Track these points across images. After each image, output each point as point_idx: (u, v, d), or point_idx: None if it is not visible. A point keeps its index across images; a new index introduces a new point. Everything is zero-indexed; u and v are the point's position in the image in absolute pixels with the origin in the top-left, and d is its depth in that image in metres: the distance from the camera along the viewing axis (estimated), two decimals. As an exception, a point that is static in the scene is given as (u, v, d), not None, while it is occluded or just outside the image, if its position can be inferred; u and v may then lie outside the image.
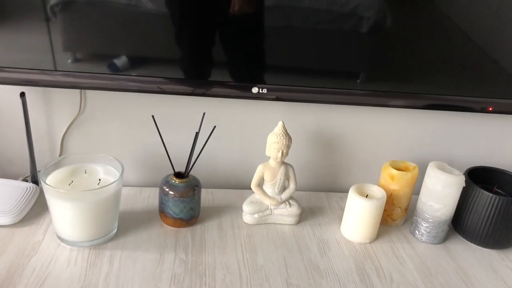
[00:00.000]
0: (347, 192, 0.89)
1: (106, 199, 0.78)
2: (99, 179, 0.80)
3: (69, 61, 0.81)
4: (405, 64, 0.89)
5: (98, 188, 0.76)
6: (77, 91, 0.90)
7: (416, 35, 0.86)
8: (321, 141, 1.02)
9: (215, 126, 0.83)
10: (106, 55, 0.82)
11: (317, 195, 1.03)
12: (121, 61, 0.83)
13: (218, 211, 0.93)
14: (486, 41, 0.88)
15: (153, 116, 0.83)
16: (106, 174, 0.82)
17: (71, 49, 0.81)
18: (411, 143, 1.04)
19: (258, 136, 0.99)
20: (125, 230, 0.85)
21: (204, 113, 0.85)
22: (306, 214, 0.95)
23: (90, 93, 0.91)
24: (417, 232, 0.90)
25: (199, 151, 0.85)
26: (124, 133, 0.96)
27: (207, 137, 0.84)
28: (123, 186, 0.96)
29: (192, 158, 0.85)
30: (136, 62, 0.83)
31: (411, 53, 0.88)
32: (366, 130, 1.02)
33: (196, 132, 0.83)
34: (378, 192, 0.88)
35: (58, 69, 0.81)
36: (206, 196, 0.98)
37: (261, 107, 0.97)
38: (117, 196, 0.81)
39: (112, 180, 0.79)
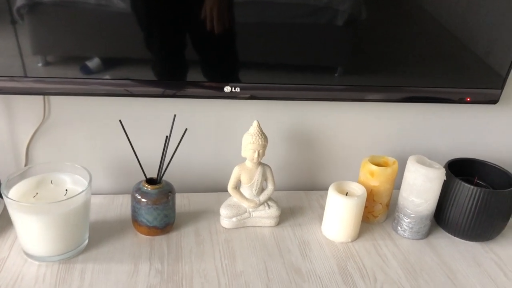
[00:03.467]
0: (327, 189, 0.86)
1: (74, 211, 0.74)
2: (66, 190, 0.76)
3: (40, 64, 0.77)
4: (382, 57, 0.87)
5: (65, 200, 0.72)
6: (40, 97, 0.85)
7: (391, 28, 0.84)
8: (298, 139, 0.99)
9: (186, 129, 0.80)
10: (77, 57, 0.78)
11: (297, 194, 1.00)
12: (93, 63, 0.79)
13: (194, 216, 0.90)
14: (461, 31, 0.86)
15: (120, 121, 0.79)
16: (73, 184, 0.78)
17: (41, 53, 0.77)
18: (390, 137, 1.02)
19: (233, 137, 0.96)
20: (96, 242, 0.81)
21: (175, 115, 0.82)
22: (286, 215, 0.92)
23: (54, 98, 0.87)
24: (399, 228, 0.89)
25: (171, 155, 0.81)
26: (92, 139, 0.92)
27: (179, 140, 0.81)
28: (94, 194, 0.92)
29: (164, 163, 0.81)
30: (106, 64, 0.79)
31: (387, 45, 0.86)
32: (344, 126, 0.99)
33: (167, 136, 0.79)
34: (358, 189, 0.86)
35: (28, 75, 0.77)
36: (182, 201, 0.94)
37: (234, 107, 0.93)
38: (86, 206, 0.76)
39: (80, 190, 0.75)
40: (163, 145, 0.80)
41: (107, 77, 0.80)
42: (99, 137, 0.92)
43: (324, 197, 0.99)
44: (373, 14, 0.82)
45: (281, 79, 0.85)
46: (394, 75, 0.89)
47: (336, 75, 0.87)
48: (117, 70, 0.80)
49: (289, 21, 0.81)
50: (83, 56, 0.78)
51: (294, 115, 0.96)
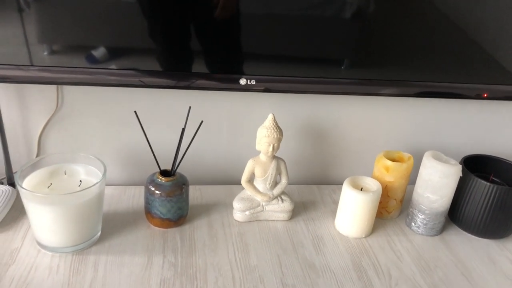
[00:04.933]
0: (340, 184, 0.85)
1: (88, 202, 0.73)
2: (80, 181, 0.76)
3: (45, 53, 0.76)
4: (395, 50, 0.85)
5: (80, 191, 0.71)
6: (53, 86, 0.84)
7: (403, 20, 0.83)
8: (311, 133, 0.98)
9: (202, 121, 0.79)
10: (83, 47, 0.77)
11: (309, 188, 1.00)
12: (99, 52, 0.78)
13: (207, 209, 0.89)
14: (476, 26, 0.85)
15: (135, 112, 0.78)
16: (87, 174, 0.78)
17: (47, 41, 0.76)
18: (405, 133, 1.01)
19: (247, 130, 0.95)
20: (109, 233, 0.80)
21: (190, 107, 0.81)
22: (298, 209, 0.91)
23: (67, 88, 0.86)
24: (413, 224, 0.88)
25: (186, 147, 0.80)
26: (106, 130, 0.91)
27: (194, 133, 0.80)
28: (107, 185, 0.92)
29: (179, 155, 0.80)
30: (115, 53, 0.78)
31: (400, 38, 0.84)
32: (359, 120, 0.98)
33: (183, 128, 0.78)
34: (373, 184, 0.85)
35: (34, 64, 0.76)
36: (194, 193, 0.94)
37: (249, 100, 0.93)
38: (100, 197, 0.76)
39: (94, 181, 0.74)
40: (179, 137, 0.79)
41: (118, 67, 0.79)
42: (112, 127, 0.91)
43: (336, 192, 0.98)
44: (381, 6, 0.81)
45: (295, 72, 0.84)
46: (408, 69, 0.87)
47: (349, 68, 0.86)
48: (128, 60, 0.79)
49: (301, 12, 0.80)
50: (90, 45, 0.77)
51: (308, 108, 0.95)
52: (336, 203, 0.93)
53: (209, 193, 0.94)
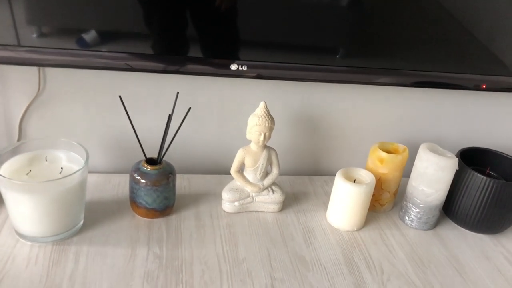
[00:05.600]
0: (332, 175, 0.83)
1: (70, 190, 0.70)
2: (61, 168, 0.72)
3: (34, 35, 0.72)
4: (392, 38, 0.82)
5: (60, 178, 0.68)
6: (35, 68, 0.80)
7: (400, 8, 0.80)
8: (304, 122, 0.95)
9: (190, 108, 0.76)
10: (74, 30, 0.73)
11: (301, 179, 0.97)
12: (90, 36, 0.74)
13: (195, 199, 0.86)
14: (475, 15, 0.82)
15: (120, 97, 0.74)
16: (69, 161, 0.74)
17: (36, 23, 0.72)
18: (401, 124, 0.99)
19: (238, 118, 0.92)
20: (92, 223, 0.77)
21: (177, 93, 0.77)
22: (289, 200, 0.89)
23: (50, 71, 0.82)
24: (406, 217, 0.86)
25: (173, 135, 0.77)
26: (90, 115, 0.87)
27: (181, 120, 0.76)
28: (90, 173, 0.89)
29: (166, 143, 0.77)
30: (105, 37, 0.74)
31: (397, 26, 0.81)
32: (353, 110, 0.95)
33: (169, 115, 0.75)
34: (366, 176, 0.82)
35: (22, 44, 0.72)
36: (182, 182, 0.90)
37: (240, 86, 0.89)
38: (82, 185, 0.73)
39: (76, 168, 0.71)
40: (165, 124, 0.76)
41: (106, 49, 0.75)
42: (97, 113, 0.87)
43: (329, 183, 0.96)
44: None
45: (289, 58, 0.81)
46: (405, 58, 0.85)
47: (345, 57, 0.83)
48: (116, 43, 0.75)
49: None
50: (80, 28, 0.73)
51: (301, 97, 0.92)
52: (328, 194, 0.91)
53: (198, 182, 0.91)
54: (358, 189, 0.79)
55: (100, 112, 0.87)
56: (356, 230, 0.83)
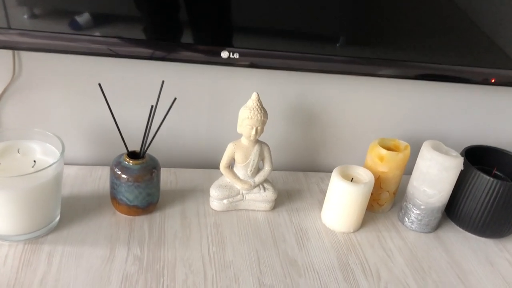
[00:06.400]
0: (329, 172, 0.78)
1: (43, 185, 0.64)
2: (34, 161, 0.66)
3: (25, 16, 0.67)
4: (395, 27, 0.77)
5: (32, 173, 0.62)
6: (9, 52, 0.74)
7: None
8: (300, 115, 0.89)
9: (175, 98, 0.70)
10: (51, 10, 0.68)
11: (295, 175, 0.91)
12: (83, 18, 0.69)
13: (181, 195, 0.81)
14: (482, 3, 0.76)
15: (100, 85, 0.68)
16: (43, 154, 0.68)
17: (9, 2, 0.66)
18: (403, 119, 0.93)
19: (229, 110, 0.86)
20: (69, 220, 0.72)
21: (163, 81, 0.71)
22: (282, 198, 0.83)
23: (26, 55, 0.76)
24: (406, 219, 0.80)
25: (157, 127, 0.71)
26: (70, 103, 0.81)
27: (166, 111, 0.71)
28: (71, 165, 0.83)
29: (149, 136, 0.71)
30: (87, 19, 0.68)
31: (400, 14, 0.76)
32: (352, 103, 0.90)
33: (152, 106, 0.69)
34: (365, 175, 0.77)
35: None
36: (168, 176, 0.85)
37: (231, 76, 0.83)
38: (57, 180, 0.67)
39: (51, 162, 0.65)
40: (148, 115, 0.70)
41: (87, 33, 0.69)
42: (77, 101, 0.81)
43: (324, 180, 0.90)
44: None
45: (285, 47, 0.75)
46: (409, 48, 0.79)
47: (345, 46, 0.77)
48: (99, 26, 0.69)
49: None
50: (59, 9, 0.67)
51: (297, 88, 0.86)
52: (323, 192, 0.86)
53: (185, 177, 0.86)
54: (355, 189, 0.73)
55: (81, 101, 0.81)
56: (352, 232, 0.78)
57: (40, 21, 0.68)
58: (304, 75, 0.85)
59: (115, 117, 0.70)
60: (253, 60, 0.75)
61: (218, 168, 0.78)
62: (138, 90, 0.82)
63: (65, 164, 0.83)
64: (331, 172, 0.77)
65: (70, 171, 0.82)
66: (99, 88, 0.68)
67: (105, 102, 0.69)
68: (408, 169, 0.82)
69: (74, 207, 0.74)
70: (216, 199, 0.77)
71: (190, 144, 0.89)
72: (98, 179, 0.81)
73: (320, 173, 0.93)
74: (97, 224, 0.72)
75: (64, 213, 0.72)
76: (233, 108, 0.81)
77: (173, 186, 0.83)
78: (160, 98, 0.71)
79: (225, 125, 0.87)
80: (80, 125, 0.84)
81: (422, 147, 0.77)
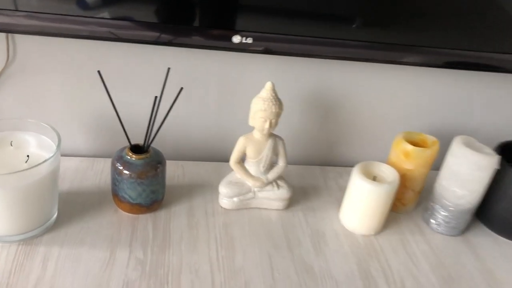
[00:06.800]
0: (348, 166, 0.71)
1: (38, 182, 0.59)
2: (27, 156, 0.61)
3: None
4: (422, 8, 0.69)
5: (25, 170, 0.57)
6: (2, 35, 0.68)
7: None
8: (318, 105, 0.83)
9: (182, 88, 0.63)
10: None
11: (311, 170, 0.85)
12: None
13: (189, 191, 0.75)
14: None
15: (99, 72, 0.62)
16: (38, 147, 0.63)
17: None
18: (430, 111, 0.85)
19: (241, 99, 0.79)
20: (67, 218, 0.66)
21: (169, 69, 0.65)
22: (297, 195, 0.77)
23: (20, 38, 0.70)
24: (432, 221, 0.74)
25: (162, 119, 0.65)
26: (70, 91, 0.76)
27: (172, 102, 0.64)
28: (70, 156, 0.78)
29: (153, 128, 0.65)
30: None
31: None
32: (376, 93, 0.82)
33: (156, 96, 0.62)
34: (388, 173, 0.70)
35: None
36: (175, 170, 0.79)
37: (244, 63, 0.76)
38: (53, 177, 0.62)
39: (46, 156, 0.59)
40: (152, 106, 0.64)
41: (87, 15, 0.63)
42: (77, 88, 0.75)
43: (343, 176, 0.84)
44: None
45: (302, 30, 0.68)
46: (437, 32, 0.71)
47: (364, 28, 0.70)
48: (99, 8, 0.63)
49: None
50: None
51: (315, 76, 0.79)
52: (342, 189, 0.79)
53: (193, 171, 0.80)
54: (378, 189, 0.67)
55: (81, 88, 0.75)
56: (374, 235, 0.71)
57: (38, 1, 0.62)
58: (323, 62, 0.77)
59: (117, 107, 0.64)
60: (268, 46, 0.68)
61: (228, 161, 0.72)
62: (143, 78, 0.75)
63: (66, 156, 0.78)
64: (351, 166, 0.70)
65: (70, 164, 0.77)
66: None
67: (110, 90, 0.63)
68: (434, 165, 0.75)
69: (73, 203, 0.69)
70: (225, 197, 0.71)
71: (198, 136, 0.83)
72: (100, 173, 0.76)
73: (339, 167, 0.86)
74: (97, 223, 0.66)
75: (62, 211, 0.67)
76: (245, 98, 0.74)
77: (180, 181, 0.77)
78: (166, 87, 0.64)
79: (237, 115, 0.81)
80: (81, 114, 0.78)
81: (453, 143, 0.70)
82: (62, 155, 0.77)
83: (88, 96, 0.76)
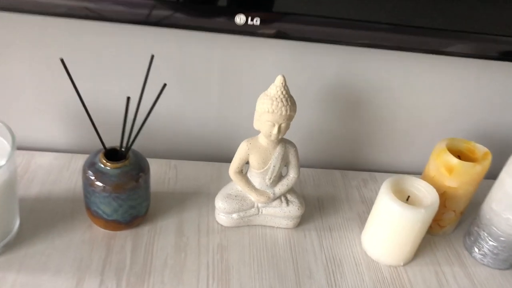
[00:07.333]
0: (374, 171, 0.60)
1: (-14, 196, 0.47)
2: (-27, 163, 0.49)
3: None
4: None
5: (-34, 181, 0.45)
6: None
7: None
8: (339, 100, 0.68)
9: (165, 84, 0.49)
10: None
11: (330, 174, 0.72)
12: None
13: (181, 199, 0.63)
14: None
15: (62, 60, 0.49)
16: (-9, 150, 0.51)
17: None
18: (481, 113, 0.71)
19: (245, 92, 0.66)
20: (31, 232, 0.55)
21: (152, 56, 0.52)
22: (311, 208, 0.64)
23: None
24: (476, 249, 0.60)
25: (144, 119, 0.52)
26: (42, 77, 0.63)
27: (154, 100, 0.51)
28: (43, 151, 0.67)
29: (132, 132, 0.52)
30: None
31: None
32: (411, 88, 0.68)
33: (128, 97, 0.48)
34: (426, 192, 0.56)
35: None
36: (167, 172, 0.67)
37: (250, 49, 0.62)
38: (9, 186, 0.50)
39: (-2, 163, 0.48)
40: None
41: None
42: (51, 75, 0.63)
43: (368, 184, 0.70)
44: None
45: (323, 9, 0.54)
46: (491, 16, 0.56)
47: (402, 10, 0.55)
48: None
49: None
50: None
51: (338, 66, 0.65)
52: (366, 202, 0.66)
53: (187, 172, 0.67)
54: (412, 214, 0.53)
55: (55, 74, 0.62)
56: (403, 266, 0.58)
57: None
58: (347, 50, 0.63)
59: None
60: (280, 28, 0.54)
61: (228, 162, 0.59)
62: (127, 66, 0.62)
63: (40, 150, 0.67)
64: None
65: (43, 161, 0.65)
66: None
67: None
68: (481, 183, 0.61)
69: (41, 213, 0.58)
70: (223, 213, 0.59)
71: (195, 131, 0.70)
72: (78, 173, 0.64)
73: (363, 172, 0.72)
74: (65, 241, 0.55)
75: (27, 222, 0.56)
76: (250, 91, 0.61)
77: (171, 187, 0.65)
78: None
79: (240, 111, 0.68)
80: (56, 103, 0.65)
81: (510, 160, 0.55)
82: (34, 149, 0.66)
83: (64, 83, 0.63)
